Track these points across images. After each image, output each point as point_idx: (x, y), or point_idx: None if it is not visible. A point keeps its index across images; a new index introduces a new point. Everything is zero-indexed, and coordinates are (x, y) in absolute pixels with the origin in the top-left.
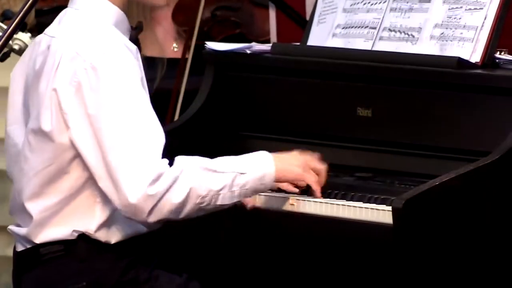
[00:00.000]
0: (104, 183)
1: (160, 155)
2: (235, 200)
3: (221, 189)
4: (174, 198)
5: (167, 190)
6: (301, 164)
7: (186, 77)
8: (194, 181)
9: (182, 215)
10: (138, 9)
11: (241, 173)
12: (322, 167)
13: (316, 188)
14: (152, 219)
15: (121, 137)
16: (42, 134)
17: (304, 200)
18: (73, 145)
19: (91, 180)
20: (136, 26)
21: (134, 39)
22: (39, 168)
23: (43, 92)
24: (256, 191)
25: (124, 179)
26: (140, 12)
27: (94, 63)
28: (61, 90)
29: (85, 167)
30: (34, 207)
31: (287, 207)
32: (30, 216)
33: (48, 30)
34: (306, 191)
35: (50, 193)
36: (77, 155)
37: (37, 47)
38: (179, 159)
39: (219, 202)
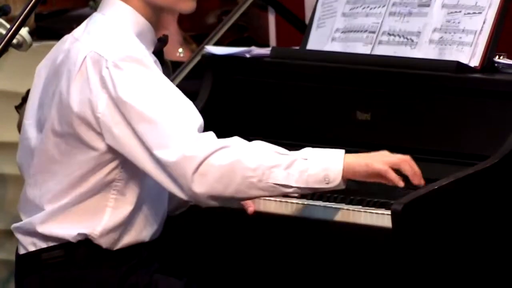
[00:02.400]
0: (153, 171)
1: (198, 128)
2: (295, 184)
3: (273, 166)
4: (216, 162)
5: (210, 154)
6: (383, 161)
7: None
8: (244, 153)
9: (231, 189)
10: None
11: (303, 158)
12: (403, 158)
13: (407, 168)
14: (198, 187)
15: (157, 116)
16: (75, 140)
17: (303, 204)
18: (109, 150)
19: (109, 185)
20: (161, 39)
21: (158, 51)
22: (69, 172)
23: (64, 95)
24: (320, 182)
25: (164, 144)
26: None
27: (116, 61)
28: (95, 97)
29: (109, 173)
30: (51, 206)
31: (286, 210)
32: (41, 210)
33: (75, 31)
34: (306, 194)
35: (72, 193)
36: (107, 162)
37: (61, 45)
38: (239, 138)
39: (271, 180)
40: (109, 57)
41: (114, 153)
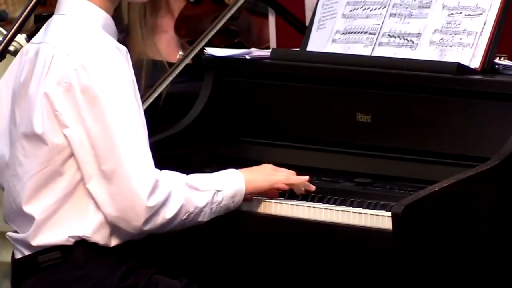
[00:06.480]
0: (95, 186)
1: (153, 162)
2: (211, 217)
3: (204, 206)
4: (168, 213)
5: (163, 204)
6: (268, 174)
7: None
8: (184, 198)
9: (168, 229)
10: (140, 16)
11: (218, 191)
12: (288, 170)
13: (293, 184)
14: (146, 227)
15: (116, 144)
16: (35, 138)
17: (304, 206)
18: (67, 144)
19: (81, 181)
20: (123, 30)
21: (122, 43)
22: (34, 171)
23: (33, 96)
24: (227, 209)
25: (123, 186)
26: (142, 19)
27: (85, 64)
28: (51, 92)
29: (78, 167)
30: (32, 210)
31: (286, 212)
32: (29, 219)
33: (34, 39)
34: (306, 195)
35: (46, 195)
36: (70, 156)
37: (24, 56)
38: (165, 173)
39: (199, 219)
40: (77, 58)
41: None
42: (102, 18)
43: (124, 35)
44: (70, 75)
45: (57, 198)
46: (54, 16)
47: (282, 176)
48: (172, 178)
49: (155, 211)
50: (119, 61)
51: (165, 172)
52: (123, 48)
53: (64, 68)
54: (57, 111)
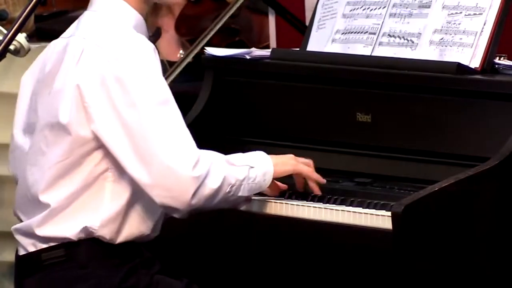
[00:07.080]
0: (136, 172)
1: (193, 140)
2: (248, 193)
3: (243, 180)
4: (212, 183)
5: (207, 175)
6: (292, 158)
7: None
8: (225, 170)
9: (213, 204)
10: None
11: (251, 167)
12: (309, 160)
13: (314, 177)
14: (195, 201)
15: (155, 128)
16: (59, 127)
17: (304, 206)
18: (95, 138)
19: (102, 175)
20: (154, 33)
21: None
22: (55, 161)
23: (60, 87)
24: (260, 187)
25: (167, 165)
26: None
27: (117, 54)
28: (83, 84)
29: (99, 161)
30: (49, 199)
31: (287, 212)
32: (43, 208)
33: (65, 34)
34: (306, 195)
35: (63, 185)
36: (93, 150)
37: (50, 50)
38: (204, 150)
39: (240, 193)
40: (109, 49)
41: (99, 141)
42: (134, 18)
43: (154, 39)
44: (103, 67)
45: (74, 189)
46: (85, 12)
47: (306, 167)
48: (210, 154)
49: (201, 182)
50: (150, 52)
51: (204, 150)
52: (152, 45)
53: (96, 60)
54: (86, 103)
